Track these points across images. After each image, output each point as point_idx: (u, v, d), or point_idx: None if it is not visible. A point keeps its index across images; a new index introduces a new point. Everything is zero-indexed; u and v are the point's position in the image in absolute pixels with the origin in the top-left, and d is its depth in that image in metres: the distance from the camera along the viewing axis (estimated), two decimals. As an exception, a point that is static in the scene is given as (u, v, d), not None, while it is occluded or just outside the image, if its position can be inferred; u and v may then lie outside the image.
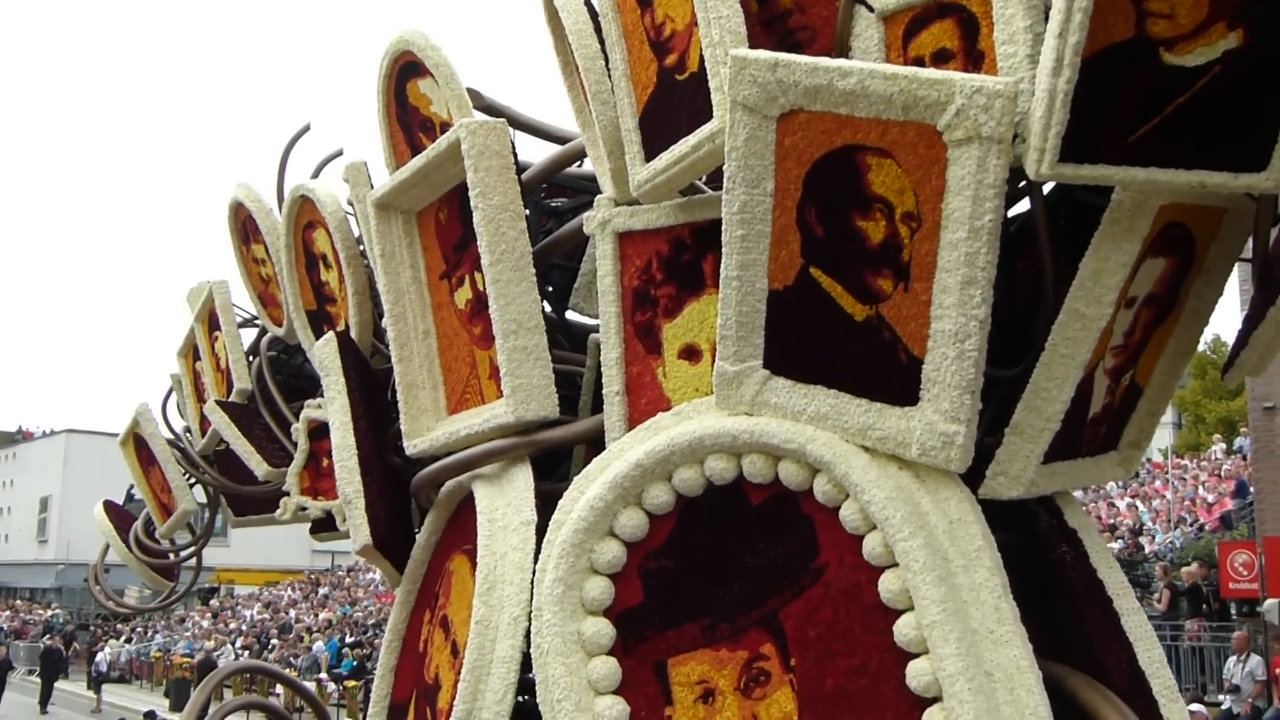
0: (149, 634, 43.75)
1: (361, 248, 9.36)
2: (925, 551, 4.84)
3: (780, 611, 5.25)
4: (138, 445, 14.07)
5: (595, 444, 8.51)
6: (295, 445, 10.42)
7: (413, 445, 7.91)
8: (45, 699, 30.07)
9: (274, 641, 36.77)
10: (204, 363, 12.34)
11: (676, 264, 6.29)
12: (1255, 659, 31.39)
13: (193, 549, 14.93)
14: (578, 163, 8.38)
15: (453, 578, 7.57)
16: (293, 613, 42.77)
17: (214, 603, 30.31)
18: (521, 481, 6.87)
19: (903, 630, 4.86)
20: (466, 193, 7.58)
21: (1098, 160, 4.40)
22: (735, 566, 5.41)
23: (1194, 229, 5.28)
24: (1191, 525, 42.78)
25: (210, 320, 12.10)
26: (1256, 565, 32.91)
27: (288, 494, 10.23)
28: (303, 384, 12.42)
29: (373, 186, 8.67)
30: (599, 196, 6.59)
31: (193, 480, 13.73)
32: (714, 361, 6.10)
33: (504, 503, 6.84)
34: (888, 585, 4.94)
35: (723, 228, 5.20)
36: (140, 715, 29.50)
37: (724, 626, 5.36)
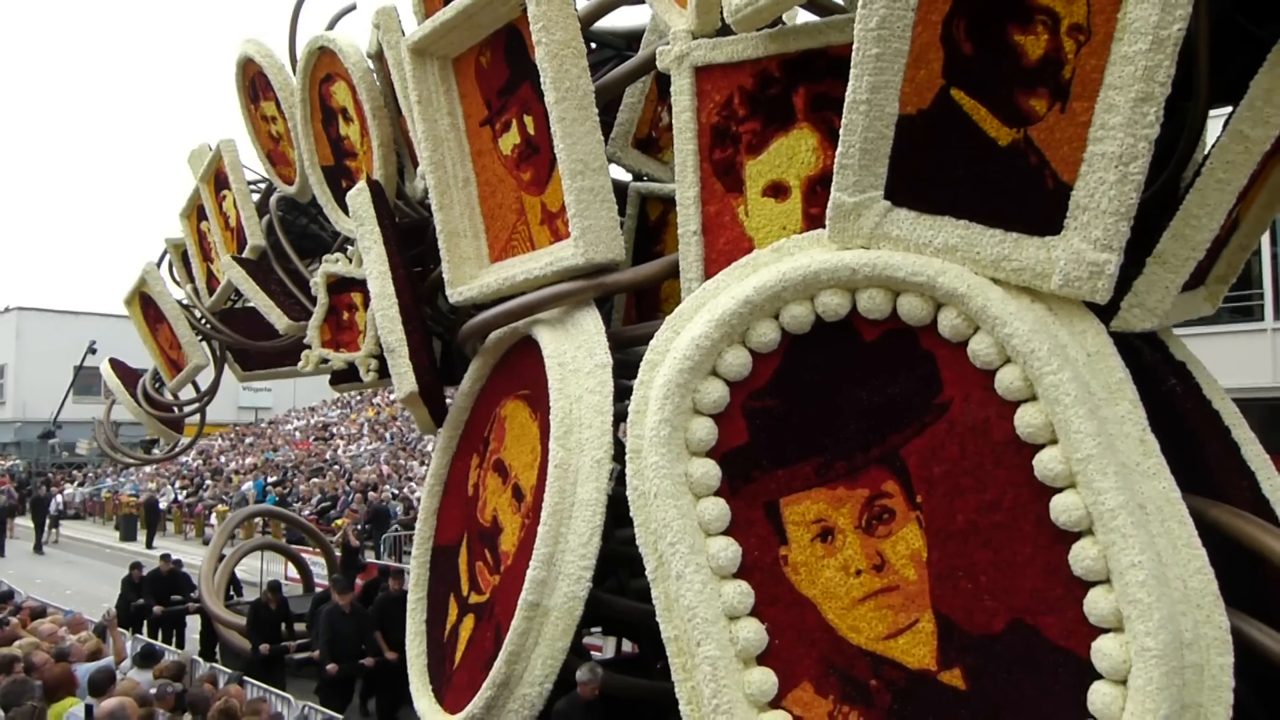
0: (99, 478, 43.72)
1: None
2: (1075, 385, 4.04)
3: (902, 449, 4.45)
4: (144, 303, 12.68)
5: (640, 292, 7.62)
6: (312, 300, 9.26)
7: (457, 293, 6.88)
8: (40, 544, 28.72)
9: (208, 483, 36.81)
10: (211, 222, 10.98)
11: (762, 98, 5.29)
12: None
13: (197, 404, 13.70)
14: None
15: (506, 422, 6.65)
16: (224, 459, 42.85)
17: (155, 451, 29.92)
18: (591, 324, 5.91)
19: (1046, 464, 4.09)
20: (512, 34, 6.44)
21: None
22: (848, 404, 4.57)
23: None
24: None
25: (217, 180, 10.70)
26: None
27: (309, 347, 9.10)
28: (306, 244, 11.20)
29: (404, 33, 7.43)
30: (674, 29, 5.50)
31: (201, 337, 12.40)
32: (805, 199, 5.21)
33: (573, 346, 5.89)
34: (1027, 420, 4.15)
35: (854, 47, 4.21)
36: (93, 544, 30.20)
37: (840, 464, 4.54)
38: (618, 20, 8.05)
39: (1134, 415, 4.16)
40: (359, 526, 19.98)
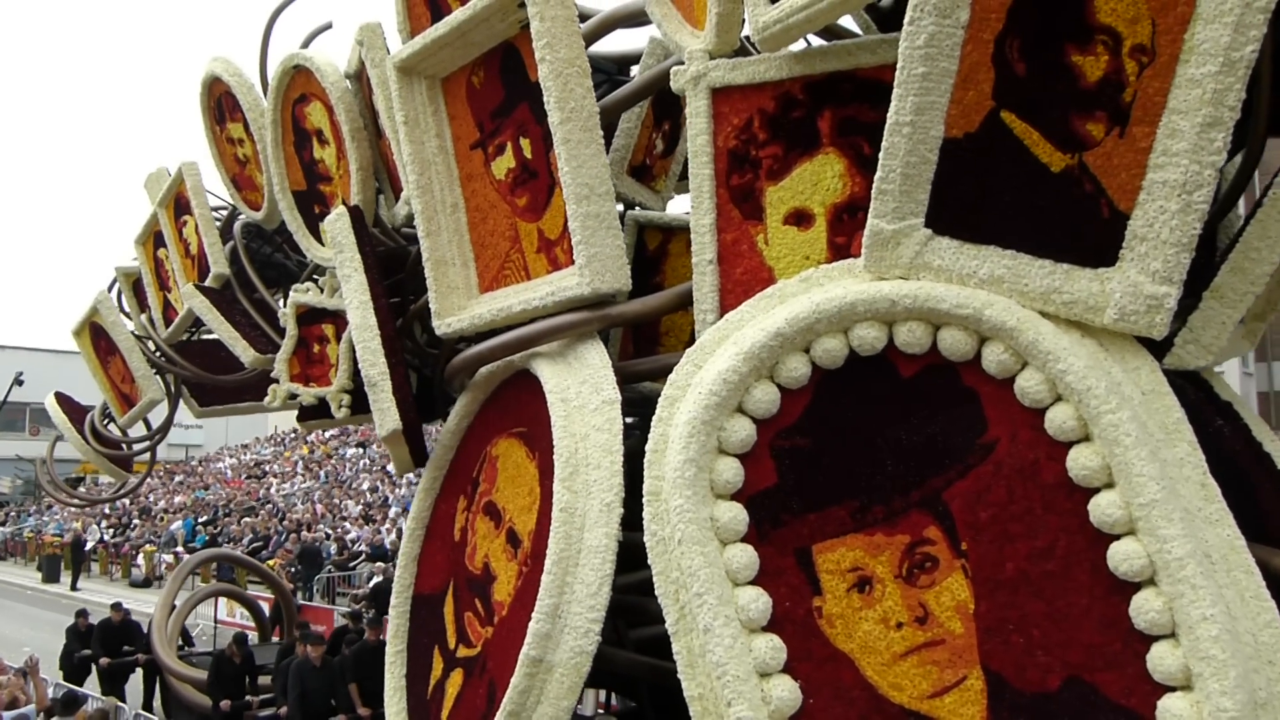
0: (21, 516, 43.19)
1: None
2: (1134, 425, 3.88)
3: (944, 492, 4.24)
4: (94, 334, 12.18)
5: (637, 325, 7.38)
6: (280, 332, 8.92)
7: (445, 324, 6.60)
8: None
9: (135, 522, 36.47)
10: (170, 249, 10.56)
11: (784, 121, 5.12)
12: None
13: (148, 442, 13.17)
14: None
15: (498, 462, 6.36)
16: (151, 497, 42.46)
17: (81, 489, 29.37)
18: (596, 358, 5.66)
19: (1104, 510, 3.90)
20: (509, 53, 6.23)
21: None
22: (885, 444, 4.37)
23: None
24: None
25: (177, 205, 10.31)
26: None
27: (276, 381, 8.74)
28: (270, 273, 10.84)
29: (389, 51, 7.20)
30: (689, 49, 5.33)
31: (155, 370, 11.90)
32: (830, 227, 5.04)
33: (577, 381, 5.63)
34: (1082, 462, 3.96)
35: (899, 66, 4.06)
36: (14, 585, 30.29)
37: (877, 509, 4.32)
38: (607, 45, 7.89)
39: (1194, 458, 4.00)
40: (293, 568, 19.49)
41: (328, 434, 44.84)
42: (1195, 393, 4.69)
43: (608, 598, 5.11)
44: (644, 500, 4.64)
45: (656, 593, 4.52)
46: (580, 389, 5.57)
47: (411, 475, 33.48)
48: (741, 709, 4.14)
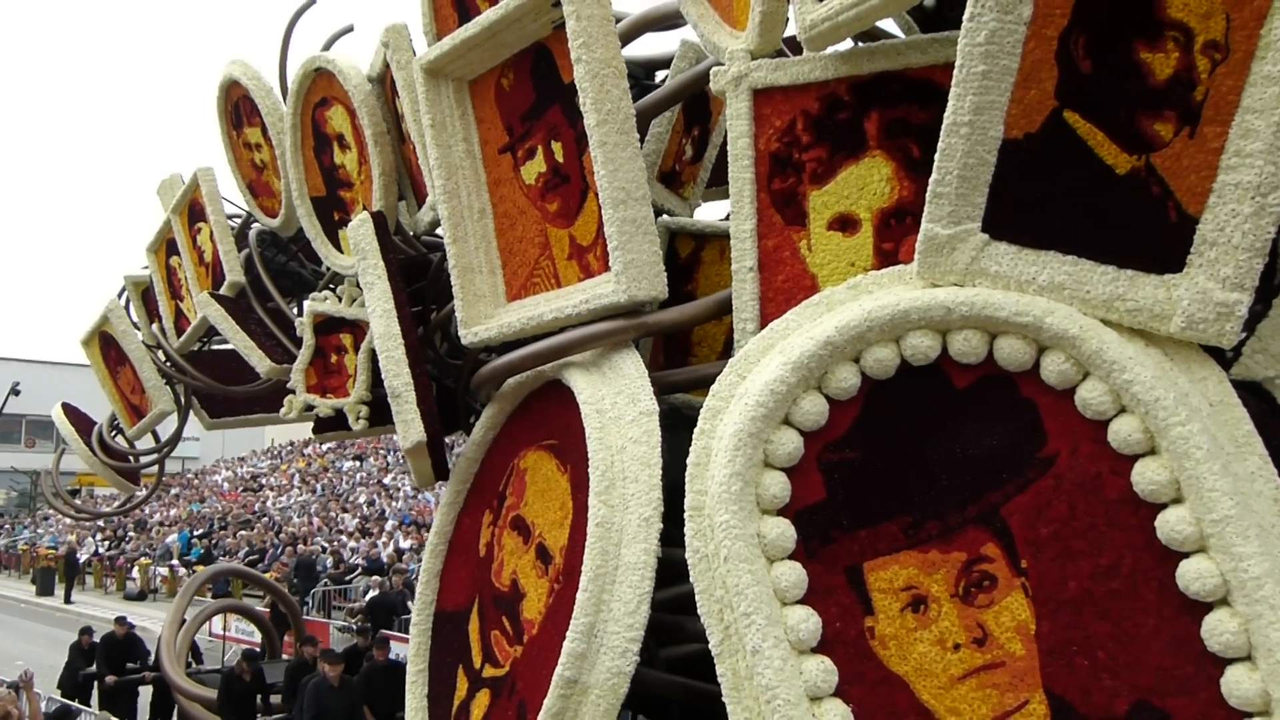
0: (16, 528, 43.45)
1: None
2: (1205, 437, 3.77)
3: (1002, 507, 4.13)
4: (103, 344, 12.11)
5: (669, 335, 7.28)
6: (296, 341, 8.84)
7: (472, 333, 6.51)
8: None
9: (130, 535, 36.64)
10: (183, 257, 10.49)
11: (829, 124, 5.02)
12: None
13: (155, 454, 13.09)
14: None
15: (526, 475, 6.25)
16: (147, 509, 42.63)
17: (76, 502, 29.44)
18: (632, 368, 5.55)
19: (1173, 526, 3.79)
20: (540, 54, 6.15)
21: None
22: (939, 457, 4.25)
23: None
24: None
25: (192, 211, 10.24)
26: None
27: (292, 391, 8.65)
28: (284, 282, 10.77)
29: (414, 53, 7.14)
30: (730, 49, 5.24)
31: (166, 380, 11.82)
32: (877, 232, 4.94)
33: (613, 391, 5.52)
34: (1149, 476, 3.85)
35: (958, 64, 3.97)
36: (7, 598, 30.56)
37: (931, 525, 4.21)
38: (636, 49, 7.81)
39: (1265, 472, 3.89)
40: (288, 582, 19.40)
41: (324, 447, 44.96)
42: (1257, 404, 4.57)
43: (646, 616, 4.99)
44: (686, 515, 4.52)
45: (699, 611, 4.40)
46: (616, 400, 5.47)
47: (408, 489, 33.51)
48: (792, 733, 4.02)
